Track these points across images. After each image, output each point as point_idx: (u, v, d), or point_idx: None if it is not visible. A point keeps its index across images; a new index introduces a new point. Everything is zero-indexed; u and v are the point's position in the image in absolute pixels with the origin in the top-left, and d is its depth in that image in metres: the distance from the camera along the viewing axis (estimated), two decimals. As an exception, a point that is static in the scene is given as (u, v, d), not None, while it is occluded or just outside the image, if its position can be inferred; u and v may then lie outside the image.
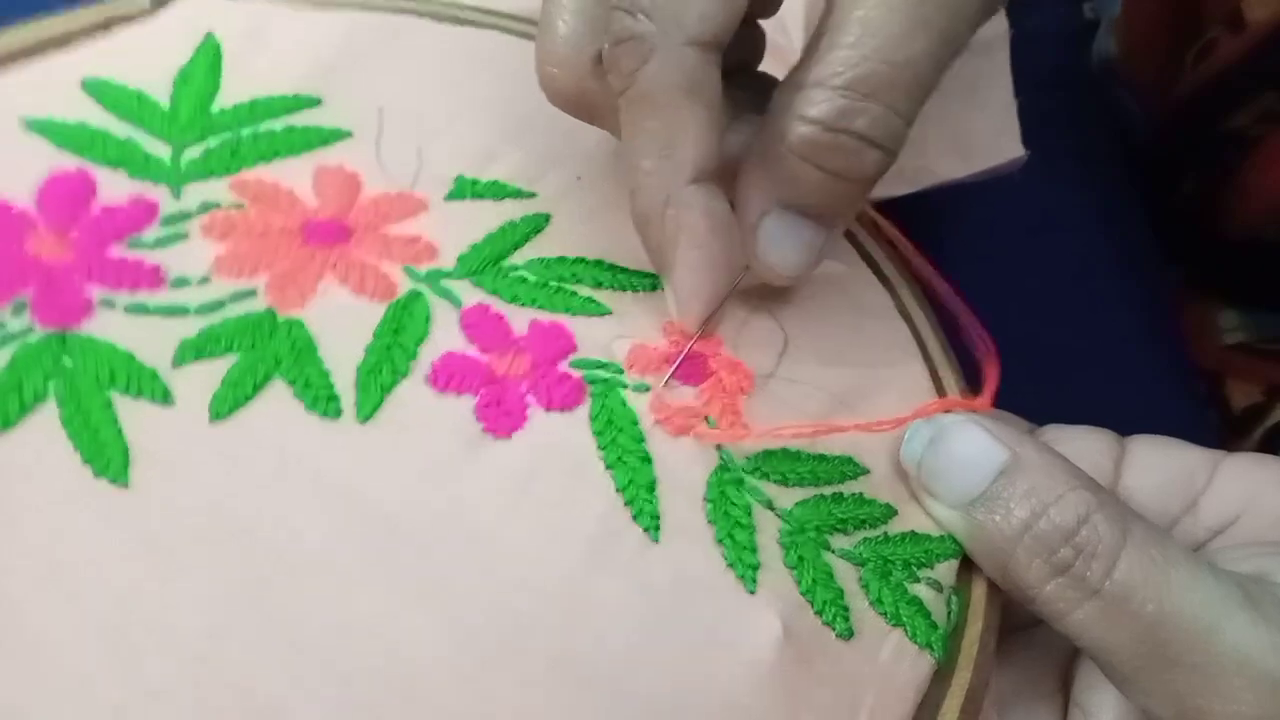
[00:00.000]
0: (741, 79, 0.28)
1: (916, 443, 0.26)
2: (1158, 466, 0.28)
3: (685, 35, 0.23)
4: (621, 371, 0.25)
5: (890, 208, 0.38)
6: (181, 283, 0.23)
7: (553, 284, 0.26)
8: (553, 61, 0.25)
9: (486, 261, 0.26)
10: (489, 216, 0.27)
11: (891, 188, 0.36)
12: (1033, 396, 0.29)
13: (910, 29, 0.22)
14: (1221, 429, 0.42)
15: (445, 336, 0.24)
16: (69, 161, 0.24)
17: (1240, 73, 0.40)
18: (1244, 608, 0.22)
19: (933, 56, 0.23)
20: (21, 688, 0.18)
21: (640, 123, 0.24)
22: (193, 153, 0.25)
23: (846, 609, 0.23)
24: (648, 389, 0.24)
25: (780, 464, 0.25)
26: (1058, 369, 0.37)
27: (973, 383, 0.30)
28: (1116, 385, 0.39)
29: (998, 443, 0.24)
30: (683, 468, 0.24)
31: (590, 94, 0.25)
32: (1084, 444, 0.28)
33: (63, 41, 0.26)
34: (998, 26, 0.38)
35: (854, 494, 0.25)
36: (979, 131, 0.36)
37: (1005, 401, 0.31)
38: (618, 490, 0.23)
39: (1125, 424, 0.29)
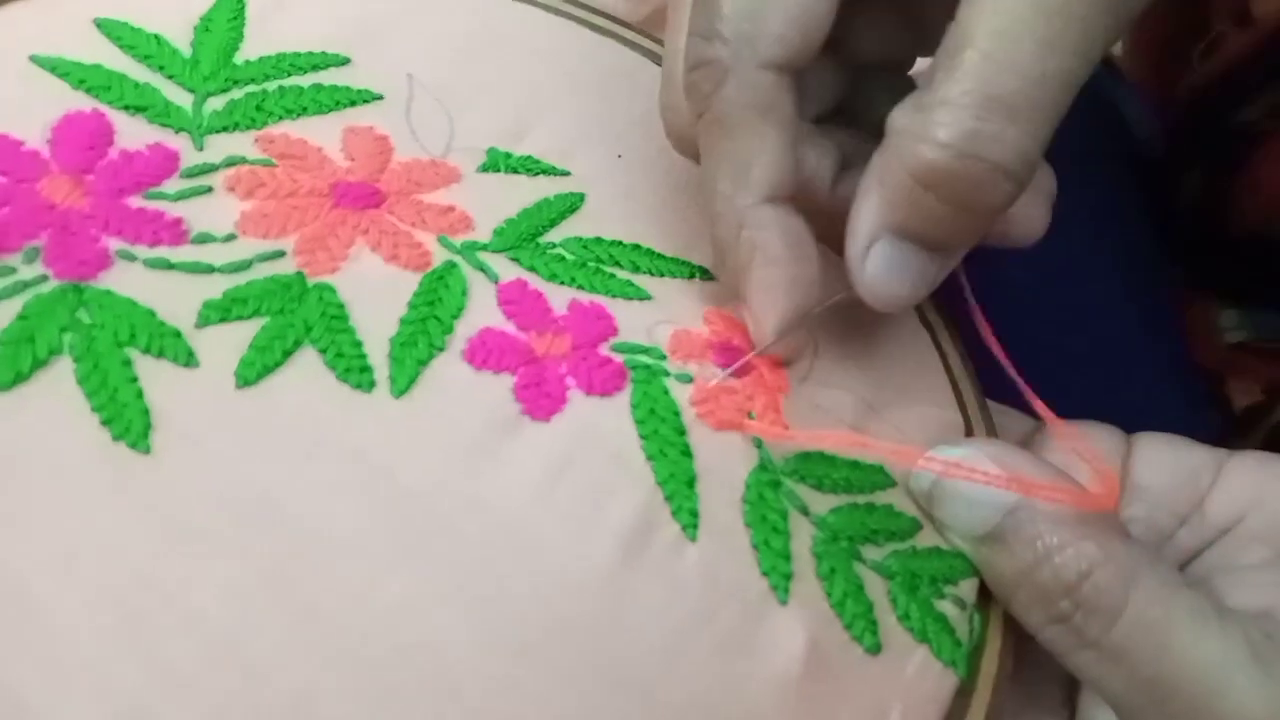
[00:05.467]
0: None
1: (925, 475, 0.25)
2: (1165, 465, 0.28)
3: (759, 58, 0.23)
4: (664, 358, 0.24)
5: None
6: (205, 239, 0.22)
7: (591, 264, 0.25)
8: (669, 105, 0.26)
9: (523, 237, 0.25)
10: (523, 191, 0.26)
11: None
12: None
13: (1047, 44, 0.20)
14: (1222, 429, 0.41)
15: (482, 312, 0.23)
16: (84, 102, 0.23)
17: (1247, 68, 0.39)
18: (1250, 668, 0.21)
19: (1071, 75, 0.21)
20: (30, 675, 0.17)
21: (716, 146, 0.24)
22: (215, 103, 0.24)
23: (875, 623, 0.23)
24: (690, 379, 0.24)
25: (817, 467, 0.24)
26: (1057, 369, 0.36)
27: (989, 391, 0.30)
28: (1116, 385, 0.39)
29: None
30: (722, 464, 0.23)
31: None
32: (1091, 441, 0.28)
33: None
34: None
35: (885, 505, 0.24)
36: None
37: (1004, 402, 0.31)
38: (657, 483, 0.22)
39: (1125, 424, 0.29)
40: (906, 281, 0.23)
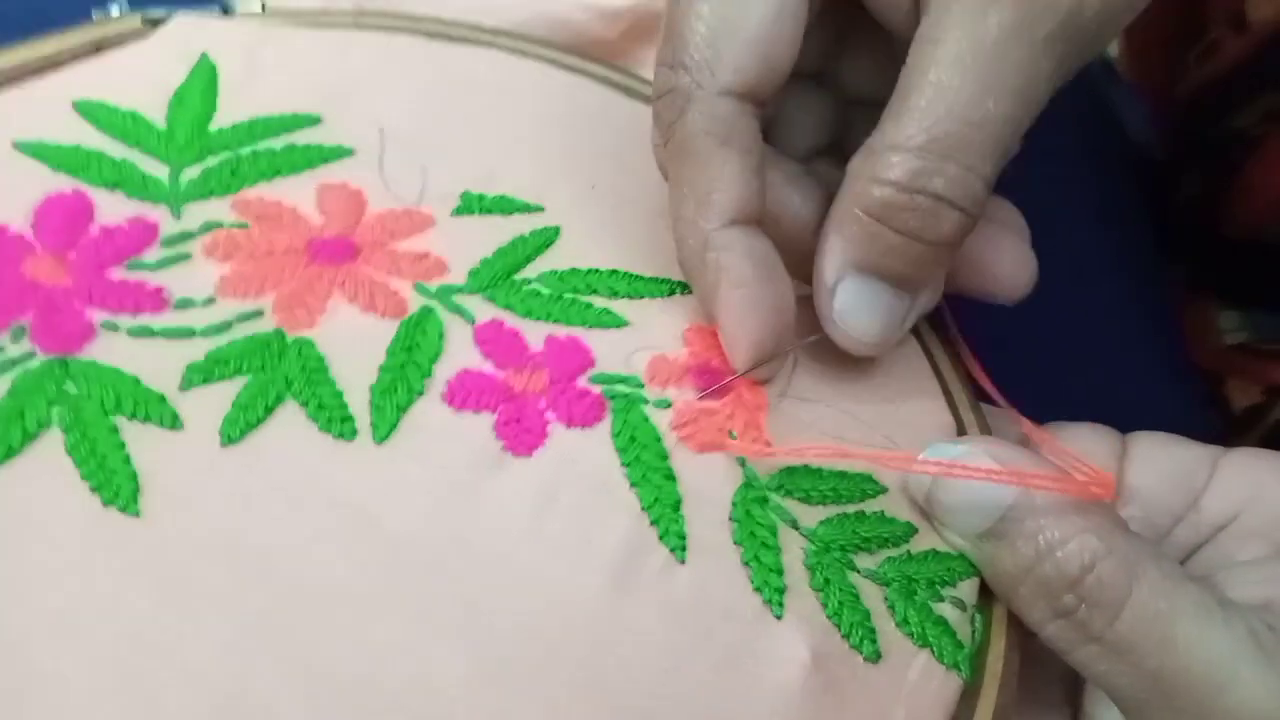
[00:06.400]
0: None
1: (923, 476, 0.25)
2: (1160, 464, 0.28)
3: (718, 85, 0.23)
4: (642, 386, 0.24)
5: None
6: (186, 304, 0.22)
7: (567, 296, 0.25)
8: (657, 145, 0.26)
9: (498, 276, 0.25)
10: (498, 231, 0.26)
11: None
12: (1032, 396, 0.29)
13: (984, 89, 0.22)
14: (1221, 429, 0.41)
15: (460, 353, 0.23)
16: (65, 183, 0.23)
17: (1243, 72, 0.39)
18: (1255, 659, 0.21)
19: (1009, 118, 0.22)
20: None
21: (679, 172, 0.24)
22: (191, 172, 0.25)
23: (874, 631, 0.23)
24: (669, 405, 0.24)
25: (803, 481, 0.24)
26: (1057, 369, 0.36)
27: (982, 397, 0.30)
28: (1116, 385, 0.39)
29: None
30: (707, 485, 0.23)
31: None
32: (1086, 442, 0.28)
33: (53, 63, 0.26)
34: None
35: (875, 512, 0.24)
36: None
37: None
38: (643, 509, 0.22)
39: (1125, 424, 0.29)
40: (876, 320, 0.24)
